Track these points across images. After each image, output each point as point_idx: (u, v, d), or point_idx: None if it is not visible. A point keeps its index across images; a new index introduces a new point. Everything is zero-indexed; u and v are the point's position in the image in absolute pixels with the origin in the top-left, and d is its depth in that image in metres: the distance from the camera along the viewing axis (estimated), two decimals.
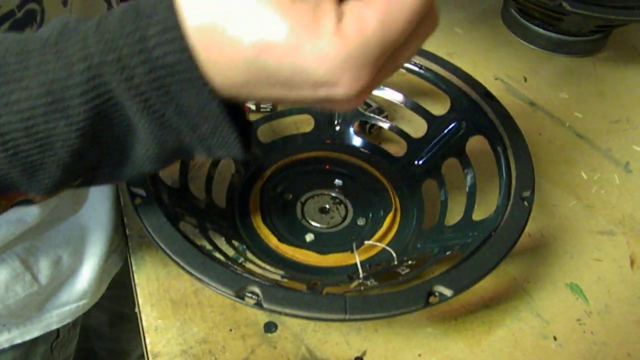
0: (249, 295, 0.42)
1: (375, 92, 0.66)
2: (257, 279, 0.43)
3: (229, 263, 0.50)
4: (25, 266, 0.57)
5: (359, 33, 0.30)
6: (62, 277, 0.61)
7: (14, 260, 0.56)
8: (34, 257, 0.57)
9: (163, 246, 0.44)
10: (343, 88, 0.32)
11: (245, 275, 0.44)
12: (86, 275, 0.62)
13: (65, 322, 0.64)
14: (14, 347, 0.62)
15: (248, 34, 0.30)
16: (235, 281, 0.42)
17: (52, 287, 0.60)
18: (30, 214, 0.53)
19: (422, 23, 0.33)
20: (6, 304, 0.57)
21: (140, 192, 0.48)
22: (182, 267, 0.43)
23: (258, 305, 0.41)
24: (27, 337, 0.61)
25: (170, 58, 0.31)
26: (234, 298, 0.42)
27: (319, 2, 0.30)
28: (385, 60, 0.33)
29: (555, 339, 0.53)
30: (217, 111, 0.34)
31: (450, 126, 0.62)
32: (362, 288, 0.51)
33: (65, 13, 0.52)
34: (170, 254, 0.44)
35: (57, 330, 0.67)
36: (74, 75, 0.32)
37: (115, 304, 0.82)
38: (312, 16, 0.30)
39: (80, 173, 0.37)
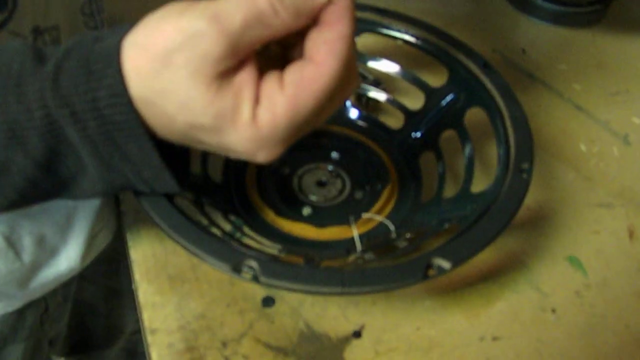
0: (246, 269, 0.41)
1: (372, 64, 0.66)
2: (253, 254, 0.43)
3: (226, 238, 0.50)
4: (8, 243, 0.57)
5: (271, 121, 0.36)
6: (46, 255, 0.61)
7: None
8: (17, 234, 0.57)
9: (159, 221, 0.44)
10: (261, 158, 0.38)
11: (242, 249, 0.44)
12: (72, 253, 0.62)
13: (47, 291, 0.64)
14: (1, 321, 0.62)
15: (180, 114, 0.36)
16: (231, 256, 0.42)
17: (35, 264, 0.60)
18: None
19: (342, 89, 0.37)
20: None
21: None
22: (178, 242, 0.43)
23: (254, 279, 0.41)
24: (10, 309, 0.62)
25: (118, 117, 0.36)
26: (230, 273, 0.41)
27: (240, 89, 0.36)
28: (302, 128, 0.38)
29: (553, 311, 0.53)
30: (158, 162, 0.39)
31: (448, 98, 0.61)
32: (359, 261, 0.51)
33: (41, 1, 0.51)
34: (166, 229, 0.43)
35: (46, 303, 0.67)
36: (34, 119, 0.36)
37: (109, 280, 0.82)
38: (233, 103, 0.35)
39: (35, 197, 0.41)
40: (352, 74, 0.38)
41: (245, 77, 0.36)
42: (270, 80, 0.37)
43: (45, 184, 0.39)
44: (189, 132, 0.37)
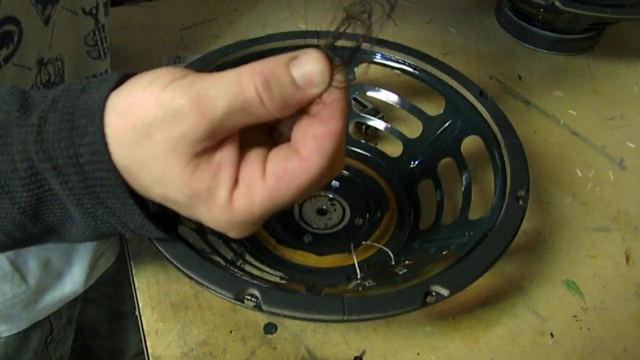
0: (248, 297, 0.42)
1: (371, 94, 0.67)
2: (255, 282, 0.44)
3: (228, 266, 0.51)
4: (14, 267, 0.58)
5: (247, 207, 0.35)
6: (52, 278, 0.62)
7: (3, 261, 0.57)
8: (23, 258, 0.58)
9: (163, 251, 0.45)
10: (232, 235, 0.38)
11: (244, 278, 0.44)
12: (76, 276, 0.63)
13: (51, 312, 0.64)
14: (5, 342, 0.62)
15: (155, 187, 0.36)
16: (234, 284, 0.43)
17: (41, 287, 0.61)
18: None
19: (325, 178, 0.37)
20: None
21: None
22: (182, 271, 0.44)
23: (257, 307, 0.42)
24: (15, 331, 0.62)
25: (99, 174, 0.35)
26: (233, 301, 0.42)
27: (218, 170, 0.35)
28: (276, 210, 0.37)
29: (552, 335, 0.53)
30: (141, 218, 0.38)
31: (445, 126, 0.62)
32: (360, 288, 0.52)
33: (47, 32, 0.52)
34: (171, 258, 0.44)
35: (51, 325, 0.67)
36: (18, 170, 0.35)
37: (112, 301, 0.83)
38: (209, 185, 0.35)
39: (26, 241, 0.41)
40: (336, 164, 0.37)
41: (225, 157, 0.35)
42: (252, 165, 0.36)
43: (34, 229, 0.39)
44: (165, 202, 0.37)
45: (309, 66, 0.34)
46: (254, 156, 0.36)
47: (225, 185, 0.35)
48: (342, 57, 0.35)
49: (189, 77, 0.34)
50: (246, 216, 0.36)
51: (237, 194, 0.35)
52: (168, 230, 0.43)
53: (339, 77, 0.34)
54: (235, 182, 0.35)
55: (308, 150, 0.35)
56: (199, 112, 0.33)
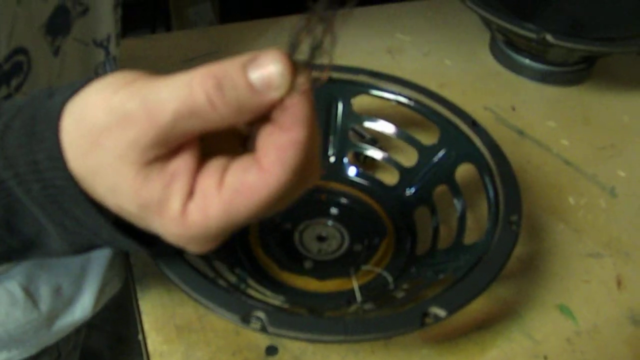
0: (254, 320, 0.44)
1: (368, 124, 0.69)
2: (260, 305, 0.45)
3: (231, 289, 0.52)
4: (26, 293, 0.58)
5: (202, 221, 0.32)
6: (63, 304, 0.62)
7: (15, 287, 0.58)
8: (35, 285, 0.59)
9: (170, 274, 0.46)
10: (192, 250, 0.35)
11: (250, 301, 0.46)
12: (86, 303, 0.64)
13: (60, 337, 0.65)
14: None
15: (108, 197, 0.33)
16: (240, 307, 0.44)
17: (52, 313, 0.62)
18: None
19: (296, 189, 0.34)
20: (6, 328, 0.58)
21: None
22: (190, 295, 0.45)
23: (263, 329, 0.43)
24: (25, 355, 0.63)
25: (58, 182, 0.33)
26: (239, 323, 0.44)
27: (172, 180, 0.32)
28: (241, 225, 0.34)
29: (545, 358, 0.55)
30: (109, 226, 0.36)
31: (440, 155, 0.64)
32: (360, 312, 0.53)
33: (56, 63, 0.53)
34: (178, 281, 0.46)
35: (59, 350, 0.68)
36: None
37: (115, 326, 0.83)
38: (161, 195, 0.32)
39: (8, 255, 0.40)
40: (308, 175, 0.34)
41: (181, 166, 0.32)
42: (210, 176, 0.33)
43: (13, 242, 0.38)
44: (121, 213, 0.35)
45: (267, 67, 0.31)
46: (214, 166, 0.33)
47: (177, 197, 0.32)
48: (306, 59, 0.32)
49: (141, 80, 0.32)
50: (201, 230, 0.33)
51: (192, 207, 0.32)
52: (148, 243, 0.39)
53: (302, 79, 0.31)
54: (191, 194, 0.32)
55: (269, 161, 0.32)
56: (147, 117, 0.30)
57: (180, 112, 0.30)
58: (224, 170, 0.33)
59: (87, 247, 0.39)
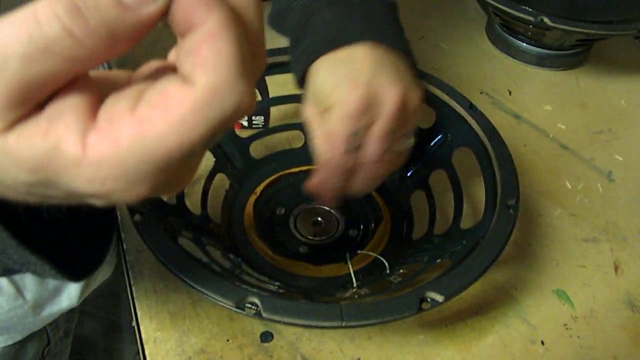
0: (249, 305, 0.43)
1: None
2: (255, 290, 0.44)
3: (227, 275, 0.52)
4: (10, 281, 0.58)
5: (113, 152, 0.24)
6: (48, 293, 0.62)
7: None
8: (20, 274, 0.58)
9: (165, 262, 0.45)
10: (122, 200, 0.26)
11: (244, 286, 0.45)
12: (73, 291, 0.63)
13: (47, 323, 0.64)
14: (2, 352, 0.62)
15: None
16: (234, 292, 0.44)
17: (38, 302, 0.61)
18: None
19: (227, 96, 0.24)
20: None
21: (139, 209, 0.50)
22: (184, 280, 0.45)
23: (257, 315, 0.43)
24: (11, 342, 0.62)
25: None
26: (234, 309, 0.43)
27: (51, 126, 0.24)
28: (180, 159, 0.25)
29: (542, 343, 0.54)
30: (13, 243, 0.30)
31: (437, 139, 0.64)
32: (356, 296, 0.52)
33: None
34: (173, 269, 0.45)
35: (48, 337, 0.67)
36: None
37: (109, 313, 0.83)
38: (47, 145, 0.24)
39: None
40: (243, 69, 0.24)
41: (60, 107, 0.25)
42: (120, 100, 0.25)
43: None
44: (19, 196, 0.27)
45: None
46: (126, 93, 0.25)
47: (70, 135, 0.24)
48: None
49: None
50: (115, 164, 0.24)
51: (94, 139, 0.24)
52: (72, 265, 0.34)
53: None
54: (89, 128, 0.24)
55: (188, 68, 0.24)
56: None
57: (29, 54, 0.22)
58: (140, 93, 0.25)
59: (7, 271, 0.33)
